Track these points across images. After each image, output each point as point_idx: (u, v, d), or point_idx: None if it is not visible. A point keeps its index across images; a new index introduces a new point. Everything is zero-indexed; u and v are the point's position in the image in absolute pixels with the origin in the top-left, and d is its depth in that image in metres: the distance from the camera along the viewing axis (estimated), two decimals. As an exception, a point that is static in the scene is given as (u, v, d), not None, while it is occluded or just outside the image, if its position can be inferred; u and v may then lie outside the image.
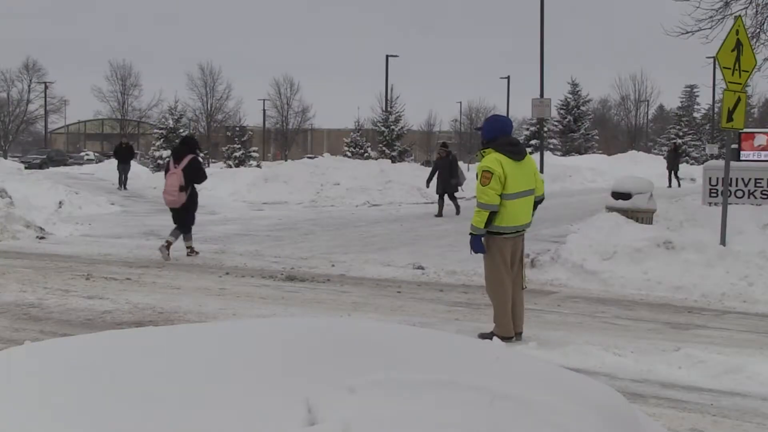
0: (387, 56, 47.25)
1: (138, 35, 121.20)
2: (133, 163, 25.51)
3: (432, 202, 21.32)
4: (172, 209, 11.16)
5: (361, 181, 22.64)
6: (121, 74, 65.17)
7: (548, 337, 6.60)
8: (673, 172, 30.89)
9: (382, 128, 43.43)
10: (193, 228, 11.47)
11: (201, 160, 11.10)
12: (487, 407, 1.71)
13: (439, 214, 17.58)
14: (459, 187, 18.54)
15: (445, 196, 18.02)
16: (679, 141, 57.07)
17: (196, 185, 11.21)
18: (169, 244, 10.97)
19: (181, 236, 11.25)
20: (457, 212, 17.63)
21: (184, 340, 2.19)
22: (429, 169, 19.61)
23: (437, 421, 1.65)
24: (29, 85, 67.40)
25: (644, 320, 7.51)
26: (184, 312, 7.56)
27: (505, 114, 35.84)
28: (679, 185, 30.07)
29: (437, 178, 18.09)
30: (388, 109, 44.89)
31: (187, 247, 11.25)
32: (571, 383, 2.07)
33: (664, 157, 32.86)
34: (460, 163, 20.50)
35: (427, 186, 18.99)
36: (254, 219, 17.11)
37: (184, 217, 11.10)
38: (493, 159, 6.36)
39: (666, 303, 8.35)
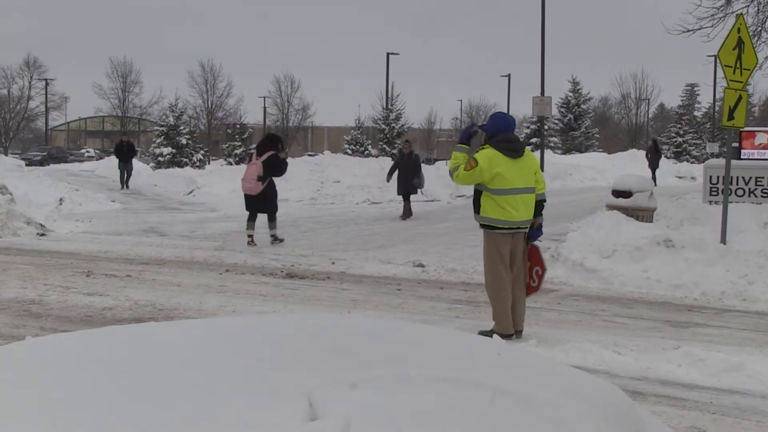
0: (388, 54, 47.28)
1: (139, 32, 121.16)
2: (134, 160, 25.44)
3: (432, 200, 21.31)
4: (247, 196, 12.17)
5: (362, 178, 22.63)
6: (122, 71, 65.20)
7: (548, 335, 6.61)
8: (653, 170, 29.77)
9: (383, 126, 43.44)
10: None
11: (281, 155, 12.42)
12: (489, 404, 1.71)
13: (404, 216, 16.62)
14: (419, 190, 17.42)
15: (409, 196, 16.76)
16: (679, 138, 57.02)
17: (275, 177, 12.27)
18: (274, 237, 12.22)
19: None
20: (406, 216, 16.58)
21: (186, 336, 2.19)
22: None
23: (438, 417, 1.65)
24: (30, 82, 67.40)
25: (644, 318, 7.52)
26: (184, 309, 7.57)
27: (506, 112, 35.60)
28: (655, 184, 29.40)
29: (398, 178, 16.73)
30: (389, 106, 44.89)
31: (271, 236, 12.22)
32: (573, 380, 2.07)
33: (646, 156, 32.01)
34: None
35: (388, 181, 17.36)
36: (254, 216, 17.07)
37: (268, 207, 12.24)
38: (485, 154, 6.41)
39: (666, 301, 8.35)
